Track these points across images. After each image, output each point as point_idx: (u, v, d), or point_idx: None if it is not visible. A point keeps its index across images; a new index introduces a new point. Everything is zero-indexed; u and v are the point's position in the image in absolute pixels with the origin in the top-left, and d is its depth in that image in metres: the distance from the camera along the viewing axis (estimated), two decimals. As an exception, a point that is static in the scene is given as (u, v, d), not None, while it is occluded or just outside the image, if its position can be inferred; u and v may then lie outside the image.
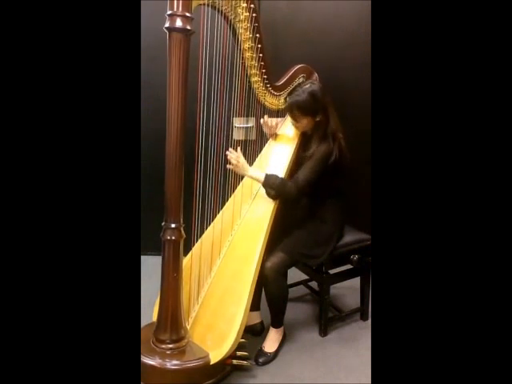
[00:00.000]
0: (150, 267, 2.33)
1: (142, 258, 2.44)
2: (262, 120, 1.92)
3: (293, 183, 1.66)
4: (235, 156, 1.67)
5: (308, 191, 1.70)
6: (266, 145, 1.99)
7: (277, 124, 1.95)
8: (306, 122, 1.73)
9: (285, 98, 1.84)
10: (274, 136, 1.98)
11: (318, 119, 1.72)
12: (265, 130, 1.95)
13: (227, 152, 1.67)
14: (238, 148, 1.69)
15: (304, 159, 1.72)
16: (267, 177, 1.67)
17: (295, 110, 1.69)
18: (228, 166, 1.68)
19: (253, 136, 2.02)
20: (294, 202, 1.80)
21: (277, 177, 1.68)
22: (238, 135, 2.28)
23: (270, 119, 1.92)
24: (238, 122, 2.26)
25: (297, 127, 1.81)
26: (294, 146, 1.86)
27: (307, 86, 1.70)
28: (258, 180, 1.71)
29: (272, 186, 1.67)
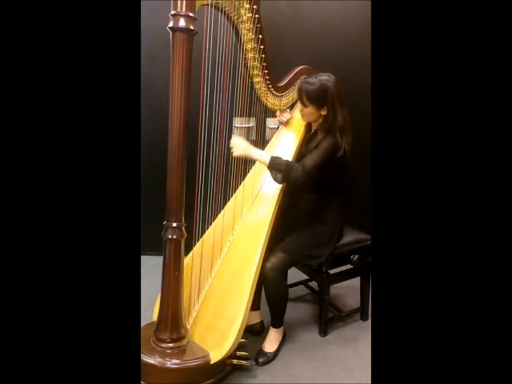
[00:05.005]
0: (151, 267, 2.34)
1: (143, 257, 2.45)
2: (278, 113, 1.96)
3: (299, 166, 1.63)
4: (236, 141, 1.69)
5: (314, 177, 1.67)
6: (275, 135, 2.00)
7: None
8: (310, 111, 1.72)
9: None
10: (286, 123, 2.00)
11: (323, 113, 1.72)
12: (278, 118, 1.99)
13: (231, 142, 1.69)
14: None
15: (308, 150, 1.72)
16: (273, 158, 1.64)
17: (303, 94, 1.69)
18: (233, 149, 1.69)
19: (253, 136, 2.02)
20: (298, 196, 1.80)
21: (282, 158, 1.66)
22: (238, 135, 2.27)
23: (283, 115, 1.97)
24: (239, 122, 2.26)
25: (302, 115, 1.79)
26: (300, 139, 1.88)
27: (323, 78, 1.69)
28: (263, 162, 1.68)
29: (278, 167, 1.63)
